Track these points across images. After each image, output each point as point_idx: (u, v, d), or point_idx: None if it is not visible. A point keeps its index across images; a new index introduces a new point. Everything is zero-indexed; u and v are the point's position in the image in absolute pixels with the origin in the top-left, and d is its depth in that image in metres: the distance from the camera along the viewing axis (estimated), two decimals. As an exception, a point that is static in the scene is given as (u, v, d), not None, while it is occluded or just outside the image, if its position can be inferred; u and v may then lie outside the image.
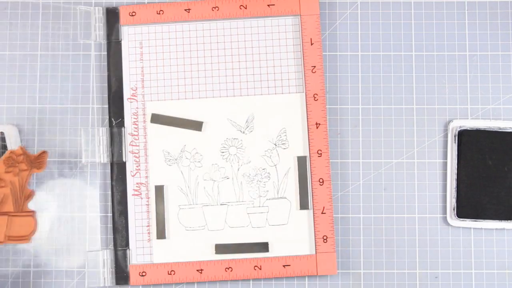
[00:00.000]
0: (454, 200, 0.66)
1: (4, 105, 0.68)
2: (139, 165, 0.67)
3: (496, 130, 0.66)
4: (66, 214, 0.67)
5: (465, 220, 0.66)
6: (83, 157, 0.68)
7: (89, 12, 0.69)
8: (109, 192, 0.67)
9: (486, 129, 0.66)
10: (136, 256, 0.66)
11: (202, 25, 0.68)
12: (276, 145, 0.67)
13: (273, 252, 0.67)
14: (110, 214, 0.67)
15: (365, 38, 0.69)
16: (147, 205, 0.67)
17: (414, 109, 0.68)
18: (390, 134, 0.68)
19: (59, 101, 0.68)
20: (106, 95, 0.68)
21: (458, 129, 0.67)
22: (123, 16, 0.68)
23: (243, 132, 0.67)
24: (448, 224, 0.67)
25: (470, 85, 0.68)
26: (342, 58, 0.69)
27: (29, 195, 0.63)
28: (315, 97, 0.67)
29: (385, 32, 0.69)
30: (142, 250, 0.67)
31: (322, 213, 0.66)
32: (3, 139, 0.67)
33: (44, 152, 0.63)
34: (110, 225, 0.67)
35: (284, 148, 0.67)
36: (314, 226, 0.66)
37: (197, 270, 0.66)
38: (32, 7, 0.70)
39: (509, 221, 0.66)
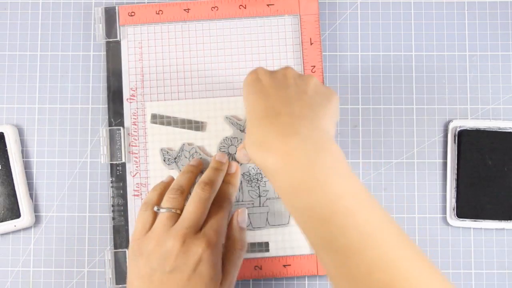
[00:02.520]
0: (454, 200, 0.66)
1: (4, 105, 0.68)
2: (139, 166, 0.67)
3: (496, 130, 0.66)
4: (66, 215, 0.67)
5: (465, 220, 0.66)
6: (83, 157, 0.68)
7: (89, 12, 0.69)
8: (109, 192, 0.67)
9: (486, 129, 0.66)
10: (136, 256, 0.66)
11: (201, 25, 0.68)
12: None
13: (273, 252, 0.67)
14: (110, 214, 0.67)
15: (365, 38, 0.69)
16: (147, 205, 0.67)
17: (414, 109, 0.68)
18: (390, 134, 0.68)
19: (59, 101, 0.68)
20: (105, 95, 0.68)
21: (458, 129, 0.66)
22: (122, 16, 0.68)
23: (243, 131, 0.67)
24: (448, 224, 0.67)
25: (470, 85, 0.68)
26: (342, 58, 0.69)
27: None
28: (315, 97, 0.67)
29: (385, 32, 0.69)
30: (142, 250, 0.66)
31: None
32: (3, 139, 0.67)
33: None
34: (110, 225, 0.67)
35: None
36: (314, 226, 0.66)
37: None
38: (32, 7, 0.70)
39: (509, 221, 0.66)
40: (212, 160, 0.65)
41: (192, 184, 0.63)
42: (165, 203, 0.60)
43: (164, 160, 0.67)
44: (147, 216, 0.60)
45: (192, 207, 0.59)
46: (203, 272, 0.56)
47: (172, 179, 0.64)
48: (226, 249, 0.60)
